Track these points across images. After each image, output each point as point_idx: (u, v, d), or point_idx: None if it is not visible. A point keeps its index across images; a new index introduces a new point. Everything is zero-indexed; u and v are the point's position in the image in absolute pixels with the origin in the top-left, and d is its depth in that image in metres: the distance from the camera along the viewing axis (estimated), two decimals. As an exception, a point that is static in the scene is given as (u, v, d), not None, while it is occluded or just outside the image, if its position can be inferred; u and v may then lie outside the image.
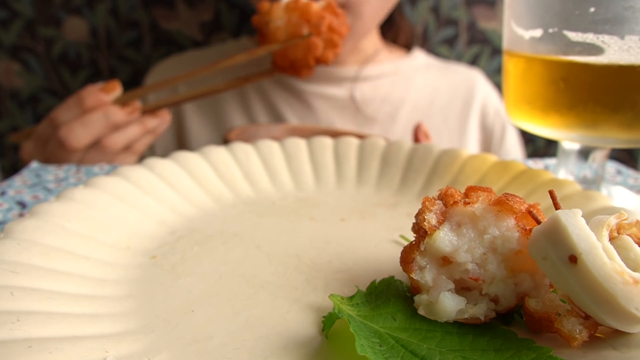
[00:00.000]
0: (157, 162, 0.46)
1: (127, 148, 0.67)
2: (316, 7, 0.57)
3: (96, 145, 0.64)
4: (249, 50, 0.60)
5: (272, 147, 0.52)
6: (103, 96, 0.62)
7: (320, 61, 0.59)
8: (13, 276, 0.29)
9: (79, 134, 0.61)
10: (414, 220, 0.29)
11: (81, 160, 0.64)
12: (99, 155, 0.64)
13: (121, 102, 0.64)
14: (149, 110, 0.66)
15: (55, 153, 0.63)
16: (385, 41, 1.01)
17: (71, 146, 0.61)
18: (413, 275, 0.28)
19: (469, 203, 0.28)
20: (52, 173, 0.57)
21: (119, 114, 0.62)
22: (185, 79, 0.63)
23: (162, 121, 0.67)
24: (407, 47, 1.05)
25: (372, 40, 0.94)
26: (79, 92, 0.64)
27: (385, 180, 0.50)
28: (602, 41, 0.41)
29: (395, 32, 1.03)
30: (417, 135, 0.70)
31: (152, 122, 0.66)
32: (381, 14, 0.84)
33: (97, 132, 0.62)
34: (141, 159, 0.74)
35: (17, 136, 0.71)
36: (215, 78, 0.83)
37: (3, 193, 0.50)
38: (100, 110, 0.62)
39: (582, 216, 0.25)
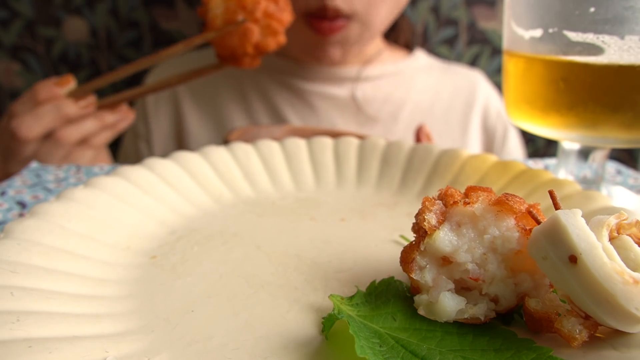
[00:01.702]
0: (157, 162, 0.46)
1: (83, 142, 0.67)
2: None
3: (50, 137, 0.64)
4: (186, 40, 0.60)
5: (272, 147, 0.52)
6: (56, 89, 0.63)
7: (261, 48, 0.58)
8: (13, 276, 0.29)
9: (30, 125, 0.62)
10: (414, 220, 0.29)
11: (36, 152, 0.64)
12: (54, 148, 0.64)
13: (76, 95, 0.64)
14: (108, 105, 0.66)
15: (8, 144, 0.64)
16: (386, 41, 1.01)
17: (22, 136, 0.62)
18: (413, 275, 0.28)
19: (469, 203, 0.28)
20: (52, 173, 0.57)
21: (71, 106, 0.63)
22: (134, 70, 0.63)
23: (122, 117, 0.67)
24: (408, 46, 1.05)
25: (375, 41, 0.94)
26: (33, 85, 0.65)
27: (385, 180, 0.50)
28: (602, 41, 0.41)
29: (397, 32, 1.03)
30: (419, 136, 0.70)
31: (110, 117, 0.67)
32: (389, 20, 0.84)
33: (48, 124, 0.62)
34: (139, 160, 0.75)
35: None
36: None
37: (3, 193, 0.50)
38: (52, 102, 0.62)
39: (582, 216, 0.25)
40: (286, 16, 0.59)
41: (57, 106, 0.62)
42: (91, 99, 0.65)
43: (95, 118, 0.66)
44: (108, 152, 0.78)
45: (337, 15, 0.75)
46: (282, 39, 0.59)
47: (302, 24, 0.79)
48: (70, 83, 0.64)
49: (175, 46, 0.61)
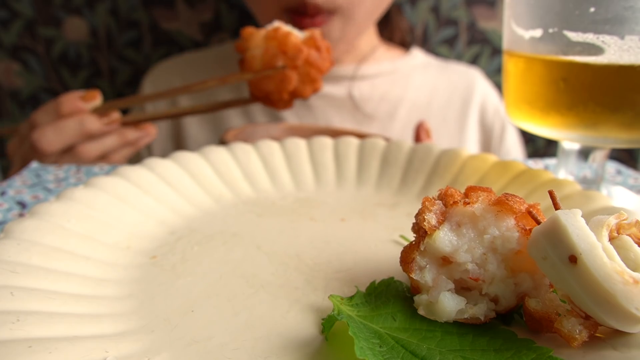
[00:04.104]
0: (157, 162, 0.46)
1: (102, 158, 0.66)
2: (295, 38, 0.55)
3: (70, 151, 0.63)
4: (222, 77, 0.59)
5: (272, 147, 0.52)
6: (81, 104, 0.62)
7: (296, 94, 0.57)
8: (13, 276, 0.29)
9: (51, 138, 0.61)
10: (414, 220, 0.29)
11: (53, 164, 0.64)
12: (72, 162, 0.64)
13: (100, 112, 0.63)
14: (131, 122, 0.66)
15: (28, 154, 0.63)
16: (382, 39, 1.01)
17: (42, 149, 0.61)
18: (413, 275, 0.28)
19: (469, 203, 0.28)
20: (52, 173, 0.57)
21: (94, 123, 0.62)
22: (166, 97, 0.63)
23: (144, 134, 0.67)
24: (404, 45, 1.05)
25: (369, 39, 0.94)
26: (58, 96, 0.64)
27: (385, 180, 0.50)
28: (602, 41, 0.41)
29: (391, 30, 1.03)
30: (419, 133, 0.70)
31: (132, 134, 0.66)
32: (374, 15, 0.84)
33: (69, 139, 0.62)
34: (139, 160, 0.75)
35: (4, 130, 0.72)
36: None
37: (3, 193, 0.50)
38: (76, 117, 0.62)
39: (582, 216, 0.25)
40: (327, 65, 0.57)
41: (80, 121, 0.61)
42: (115, 116, 0.64)
43: (116, 134, 0.65)
44: None
45: (318, 11, 0.74)
46: (318, 86, 0.57)
47: (284, 20, 0.78)
48: (96, 99, 0.63)
49: (208, 81, 0.59)
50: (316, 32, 0.57)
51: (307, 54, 0.55)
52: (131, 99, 0.67)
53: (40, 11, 1.09)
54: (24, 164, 0.64)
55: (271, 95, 0.57)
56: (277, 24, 0.57)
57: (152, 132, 0.67)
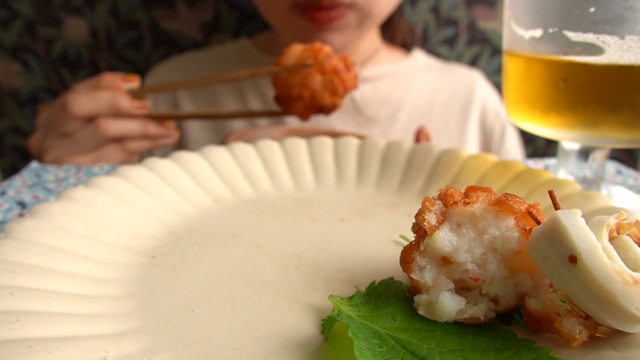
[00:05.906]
0: (157, 162, 0.46)
1: (119, 141, 0.68)
2: (329, 50, 0.59)
3: (92, 123, 0.65)
4: (252, 69, 0.63)
5: (272, 147, 0.52)
6: (119, 82, 0.66)
7: (316, 100, 0.60)
8: (13, 276, 0.29)
9: (82, 102, 0.64)
10: (414, 220, 0.29)
11: (74, 132, 0.66)
12: (89, 135, 0.66)
13: (133, 94, 0.66)
14: (156, 118, 0.68)
15: (56, 114, 0.66)
16: (383, 40, 1.01)
17: (71, 110, 0.64)
18: (413, 275, 0.28)
19: (468, 203, 0.28)
20: (52, 173, 0.57)
21: (125, 101, 0.65)
22: (198, 85, 0.67)
23: (166, 133, 0.69)
24: (405, 46, 1.05)
25: (371, 40, 0.94)
26: (101, 73, 0.68)
27: (385, 180, 0.50)
28: (602, 41, 0.41)
29: (393, 31, 1.03)
30: (419, 138, 0.70)
31: (153, 128, 0.68)
32: (388, 10, 0.83)
33: (98, 108, 0.64)
34: (140, 160, 0.75)
35: (45, 106, 0.74)
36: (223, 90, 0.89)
37: (3, 193, 0.50)
38: (111, 90, 0.65)
39: (582, 216, 0.25)
40: (350, 83, 0.60)
41: (113, 96, 0.65)
42: (146, 103, 0.66)
43: (140, 122, 0.67)
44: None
45: (334, 5, 0.74)
46: (338, 101, 0.61)
47: (294, 15, 0.77)
48: (134, 82, 0.68)
49: (239, 72, 0.63)
50: (349, 56, 0.61)
51: (336, 63, 0.59)
52: (163, 85, 0.70)
53: (40, 11, 1.09)
54: (49, 126, 0.67)
55: (292, 90, 0.60)
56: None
57: (174, 135, 0.70)
